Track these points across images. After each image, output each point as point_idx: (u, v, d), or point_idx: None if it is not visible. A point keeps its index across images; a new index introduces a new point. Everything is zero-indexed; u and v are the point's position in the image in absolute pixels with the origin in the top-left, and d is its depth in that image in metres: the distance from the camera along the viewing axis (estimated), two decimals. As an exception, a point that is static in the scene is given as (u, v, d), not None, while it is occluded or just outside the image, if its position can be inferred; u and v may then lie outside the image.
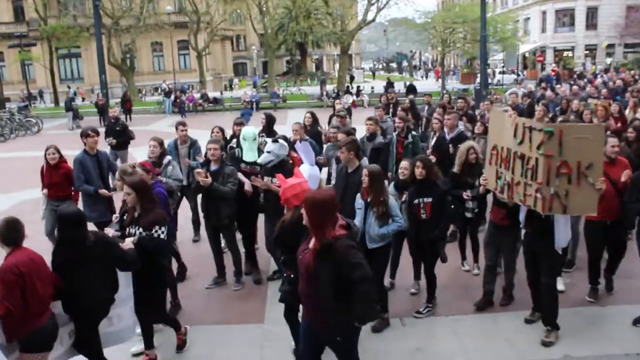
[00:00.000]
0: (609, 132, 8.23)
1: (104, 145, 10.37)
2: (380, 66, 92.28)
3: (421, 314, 6.40)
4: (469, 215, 7.32)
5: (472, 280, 7.20)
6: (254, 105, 33.17)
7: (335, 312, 3.93)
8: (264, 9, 42.72)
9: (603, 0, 53.15)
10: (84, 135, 7.81)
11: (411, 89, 32.93)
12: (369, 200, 5.84)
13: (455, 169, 7.30)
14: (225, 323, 6.40)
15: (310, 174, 5.39)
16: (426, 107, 14.23)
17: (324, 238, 3.88)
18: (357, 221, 5.88)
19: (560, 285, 6.37)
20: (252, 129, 7.83)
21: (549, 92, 17.33)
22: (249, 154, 7.47)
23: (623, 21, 49.97)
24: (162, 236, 5.19)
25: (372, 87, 39.33)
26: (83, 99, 39.53)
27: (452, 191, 7.13)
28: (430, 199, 6.28)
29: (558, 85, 22.85)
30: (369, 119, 9.77)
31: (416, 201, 6.33)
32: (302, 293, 4.20)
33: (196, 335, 6.02)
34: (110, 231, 5.40)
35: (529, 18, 59.23)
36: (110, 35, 40.56)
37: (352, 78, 50.19)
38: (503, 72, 45.24)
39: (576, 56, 53.89)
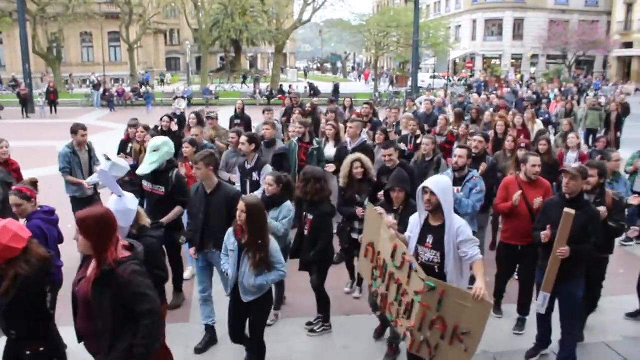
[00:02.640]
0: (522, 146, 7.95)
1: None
2: (315, 66, 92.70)
3: (312, 327, 6.11)
4: (355, 236, 6.52)
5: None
6: (186, 102, 32.69)
7: (118, 350, 3.35)
8: (199, 4, 42.00)
9: (529, 13, 55.86)
10: None
11: (337, 90, 33.26)
12: (243, 241, 4.75)
13: (341, 183, 6.67)
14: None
15: (117, 209, 4.05)
16: (346, 111, 13.51)
17: (105, 263, 3.27)
18: (230, 264, 4.90)
19: None
20: (160, 139, 6.46)
21: (438, 99, 16.06)
22: (142, 167, 6.29)
23: (546, 34, 52.47)
24: None
25: (305, 87, 39.44)
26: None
27: (341, 208, 6.66)
28: (312, 217, 5.80)
29: (457, 95, 22.69)
30: (266, 123, 8.73)
31: (304, 214, 5.92)
32: (82, 332, 3.60)
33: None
34: None
35: (460, 26, 61.26)
36: (36, 23, 38.83)
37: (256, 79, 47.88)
38: (434, 77, 46.34)
39: (503, 64, 56.21)
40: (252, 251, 4.66)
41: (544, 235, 5.08)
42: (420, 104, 15.56)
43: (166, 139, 6.49)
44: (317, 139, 8.77)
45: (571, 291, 5.20)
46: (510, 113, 12.36)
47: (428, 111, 12.99)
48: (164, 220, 5.91)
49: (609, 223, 5.53)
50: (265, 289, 4.87)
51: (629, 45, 52.54)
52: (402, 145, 9.09)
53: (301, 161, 8.38)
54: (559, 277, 5.06)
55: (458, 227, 4.34)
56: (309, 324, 6.14)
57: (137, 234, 4.22)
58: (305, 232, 5.84)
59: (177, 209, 6.29)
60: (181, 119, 12.09)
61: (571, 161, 8.79)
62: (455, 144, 8.69)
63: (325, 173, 6.97)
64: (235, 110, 12.65)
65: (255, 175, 6.97)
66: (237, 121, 12.01)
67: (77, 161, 7.83)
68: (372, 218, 4.95)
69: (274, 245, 4.79)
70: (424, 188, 4.37)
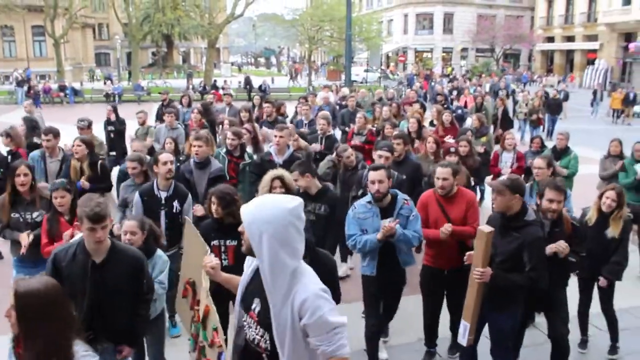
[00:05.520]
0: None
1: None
2: (249, 61, 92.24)
3: None
4: None
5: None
6: (116, 98, 31.82)
7: None
8: (128, -3, 40.93)
9: (458, 8, 57.66)
10: None
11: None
12: None
13: None
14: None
15: None
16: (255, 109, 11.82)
17: None
18: None
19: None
20: None
21: (325, 95, 15.59)
22: None
23: (475, 28, 54.24)
24: None
25: (240, 82, 39.18)
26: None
27: None
28: (235, 242, 4.54)
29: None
30: (197, 138, 6.38)
31: (215, 242, 4.61)
32: None
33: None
34: None
35: (392, 20, 62.31)
36: (-50, 15, 36.82)
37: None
38: (367, 70, 47.03)
39: (435, 57, 57.68)
40: None
41: (467, 256, 4.37)
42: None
43: None
44: (248, 152, 7.32)
45: (497, 320, 4.48)
46: (434, 109, 11.91)
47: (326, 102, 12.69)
48: None
49: (569, 258, 4.57)
50: None
51: (551, 39, 55.07)
52: (316, 146, 8.37)
53: (231, 179, 6.77)
54: (487, 305, 4.37)
55: (302, 300, 2.40)
56: None
57: None
58: (225, 262, 4.56)
59: None
60: None
61: (507, 162, 8.34)
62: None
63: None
64: (108, 118, 10.25)
65: (176, 206, 5.48)
66: (111, 127, 10.14)
67: (42, 168, 6.77)
68: (192, 241, 3.49)
69: None
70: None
